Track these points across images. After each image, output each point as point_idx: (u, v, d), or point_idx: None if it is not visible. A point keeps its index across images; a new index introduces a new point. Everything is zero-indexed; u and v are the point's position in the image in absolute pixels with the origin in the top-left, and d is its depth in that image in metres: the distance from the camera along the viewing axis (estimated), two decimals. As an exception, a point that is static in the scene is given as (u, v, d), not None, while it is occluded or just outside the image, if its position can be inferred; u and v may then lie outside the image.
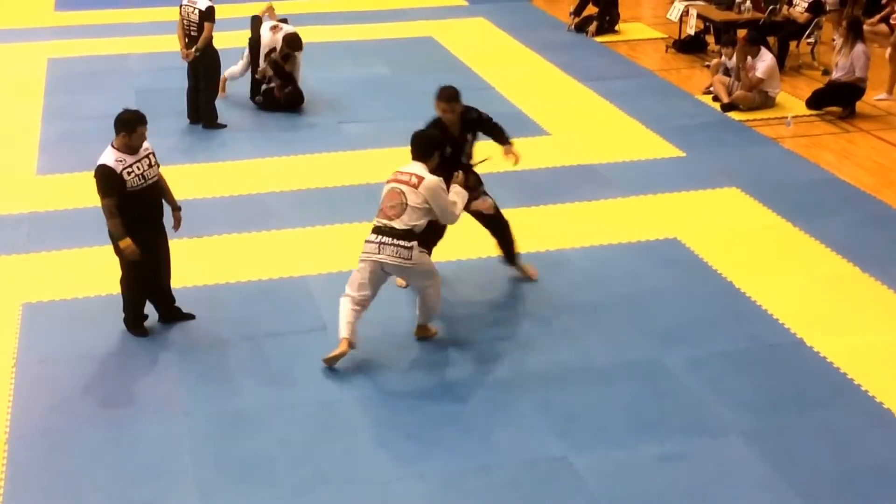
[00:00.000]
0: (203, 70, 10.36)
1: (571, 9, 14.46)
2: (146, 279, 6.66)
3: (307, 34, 13.87)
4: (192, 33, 10.25)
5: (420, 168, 6.18)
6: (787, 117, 10.71)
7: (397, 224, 6.06)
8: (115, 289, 7.11)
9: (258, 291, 7.25)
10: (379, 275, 6.18)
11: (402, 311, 6.85)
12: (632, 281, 7.38)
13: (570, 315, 6.90)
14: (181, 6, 10.31)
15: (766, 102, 11.02)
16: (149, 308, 6.84)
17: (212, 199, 8.74)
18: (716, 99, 11.24)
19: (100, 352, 6.56)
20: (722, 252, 7.77)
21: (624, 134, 10.36)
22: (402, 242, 6.04)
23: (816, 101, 10.90)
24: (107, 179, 6.26)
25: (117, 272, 7.03)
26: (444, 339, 6.57)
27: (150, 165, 6.45)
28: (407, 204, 6.07)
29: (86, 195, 8.33)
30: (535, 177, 9.24)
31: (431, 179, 6.12)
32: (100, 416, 5.90)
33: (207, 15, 10.14)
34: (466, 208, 6.59)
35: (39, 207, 8.62)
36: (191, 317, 6.90)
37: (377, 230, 6.13)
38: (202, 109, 10.47)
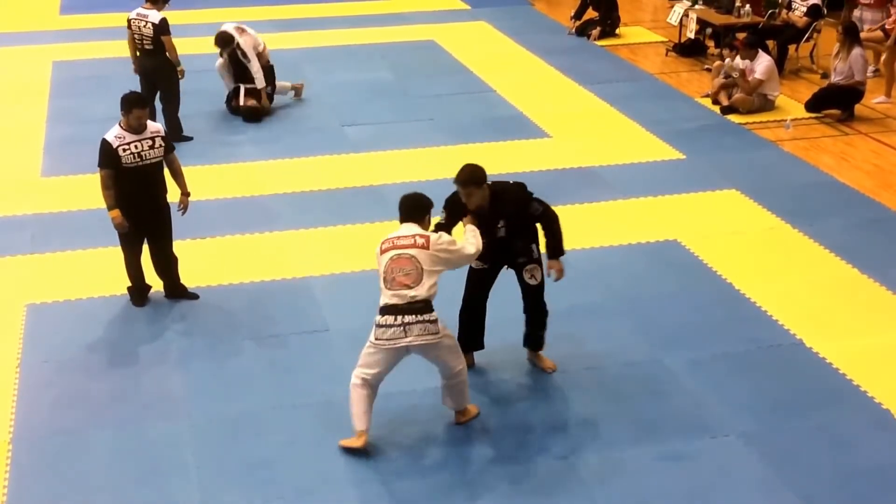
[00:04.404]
0: (162, 84, 9.96)
1: (572, 13, 14.52)
2: (138, 255, 6.97)
3: (310, 39, 14.00)
4: (147, 47, 9.81)
5: (418, 229, 5.48)
6: (786, 120, 10.75)
7: (419, 293, 5.31)
8: (119, 290, 7.19)
9: (261, 293, 7.29)
10: (401, 358, 5.51)
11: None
12: (632, 283, 7.42)
13: (571, 316, 6.93)
14: (129, 20, 9.86)
15: (766, 105, 11.07)
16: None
17: (216, 201, 8.79)
18: (715, 102, 11.28)
19: (103, 353, 6.60)
20: (722, 254, 7.81)
21: (624, 137, 10.40)
22: (426, 317, 5.33)
23: (816, 104, 10.95)
24: (103, 152, 6.69)
25: (120, 273, 7.10)
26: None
27: (151, 147, 6.73)
28: (423, 269, 5.35)
29: (90, 197, 8.39)
30: (536, 179, 9.23)
31: (438, 235, 5.49)
32: (103, 417, 5.94)
33: (162, 28, 9.71)
34: (517, 273, 6.11)
35: (43, 209, 8.67)
36: (195, 296, 7.14)
37: (394, 309, 5.32)
38: (167, 123, 9.86)
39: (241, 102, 10.91)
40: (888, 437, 5.73)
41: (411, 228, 5.48)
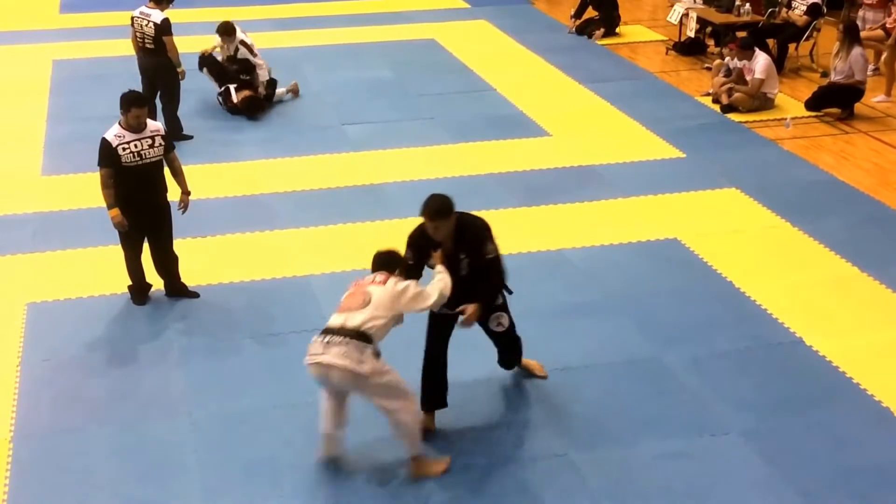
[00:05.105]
0: (162, 83, 9.97)
1: (572, 12, 14.53)
2: (138, 254, 6.98)
3: (310, 38, 14.01)
4: (148, 46, 9.84)
5: (385, 274, 5.30)
6: (786, 119, 10.76)
7: (355, 318, 5.06)
8: (119, 288, 7.20)
9: (262, 291, 7.30)
10: (331, 385, 5.17)
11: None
12: (632, 281, 7.43)
13: (571, 315, 6.94)
14: (133, 18, 9.91)
15: (766, 104, 11.08)
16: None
17: (216, 200, 8.79)
18: (715, 101, 11.29)
19: (104, 351, 6.61)
20: (722, 252, 7.82)
21: (624, 135, 10.41)
22: (353, 343, 5.00)
23: (816, 103, 10.95)
24: (102, 151, 6.69)
25: (121, 272, 7.11)
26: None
27: (151, 146, 6.73)
28: (370, 301, 5.12)
29: (90, 196, 8.39)
30: (536, 177, 9.30)
31: (398, 279, 5.26)
32: (104, 416, 5.94)
33: (164, 29, 9.71)
34: (483, 324, 5.78)
35: (44, 208, 8.67)
36: (195, 295, 7.16)
37: (325, 330, 5.11)
38: (167, 122, 9.88)
39: (236, 100, 10.91)
40: (887, 434, 5.74)
41: (378, 273, 5.33)
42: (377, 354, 5.11)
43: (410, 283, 5.27)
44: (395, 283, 5.23)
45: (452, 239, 5.46)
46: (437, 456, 5.54)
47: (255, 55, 11.05)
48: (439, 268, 5.44)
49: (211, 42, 11.29)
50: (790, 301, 7.10)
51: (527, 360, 6.23)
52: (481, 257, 5.48)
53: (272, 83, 11.30)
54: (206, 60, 11.10)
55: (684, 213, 8.55)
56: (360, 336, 5.04)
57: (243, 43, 11.02)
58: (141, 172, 6.72)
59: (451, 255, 5.48)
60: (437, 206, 5.35)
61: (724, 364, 6.39)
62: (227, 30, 10.99)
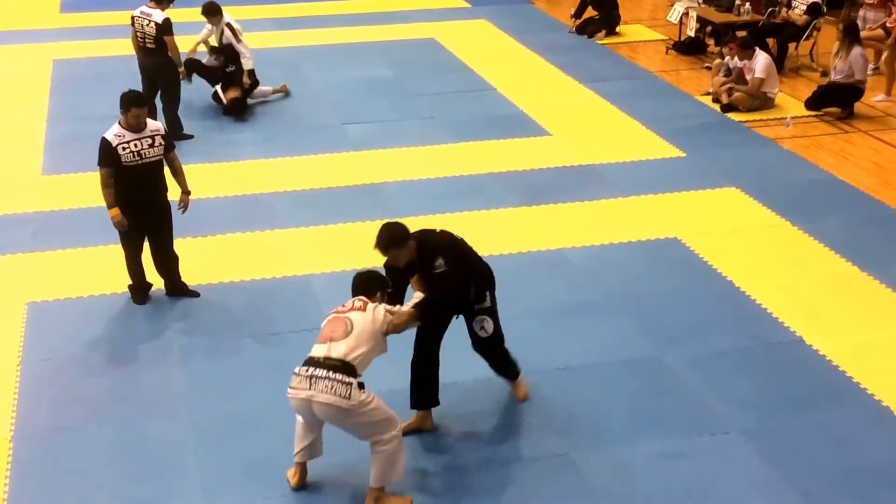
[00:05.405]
0: (162, 83, 9.99)
1: (572, 11, 14.53)
2: (138, 253, 6.99)
3: (310, 37, 14.00)
4: (149, 45, 9.86)
5: (363, 300, 5.23)
6: (786, 118, 10.76)
7: (339, 348, 4.97)
8: (120, 287, 7.20)
9: (262, 291, 7.30)
10: (312, 415, 5.05)
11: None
12: (632, 280, 7.43)
13: (571, 314, 6.94)
14: (133, 18, 9.92)
15: (766, 103, 11.08)
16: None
17: (216, 199, 8.80)
18: (715, 100, 11.29)
19: (104, 350, 6.61)
20: (722, 252, 7.82)
21: (624, 135, 10.41)
22: (339, 376, 4.89)
23: (815, 102, 10.95)
24: (102, 151, 6.70)
25: (121, 271, 7.12)
26: (444, 338, 6.59)
27: (151, 146, 6.74)
28: (353, 330, 5.04)
29: (90, 195, 8.40)
30: (537, 177, 9.30)
31: (376, 304, 5.21)
32: (104, 415, 5.95)
33: (165, 29, 9.73)
34: (468, 323, 5.72)
35: (44, 207, 8.67)
36: (196, 294, 7.17)
37: (309, 361, 5.01)
38: (167, 122, 9.90)
39: (225, 101, 10.89)
40: (887, 433, 5.74)
41: (357, 300, 5.26)
42: (361, 385, 5.00)
43: (390, 306, 5.27)
44: (375, 308, 5.17)
45: (419, 261, 5.41)
46: (436, 454, 5.56)
47: (239, 41, 10.91)
48: (417, 294, 5.49)
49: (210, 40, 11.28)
50: (790, 301, 7.10)
51: (521, 381, 6.00)
52: (431, 269, 5.39)
53: (252, 73, 11.21)
54: (192, 65, 10.98)
55: (684, 213, 8.55)
56: (345, 367, 4.95)
57: (229, 26, 10.88)
58: (141, 172, 6.73)
59: (425, 276, 5.44)
60: (387, 239, 5.31)
61: (724, 364, 6.39)
62: (212, 10, 10.83)
